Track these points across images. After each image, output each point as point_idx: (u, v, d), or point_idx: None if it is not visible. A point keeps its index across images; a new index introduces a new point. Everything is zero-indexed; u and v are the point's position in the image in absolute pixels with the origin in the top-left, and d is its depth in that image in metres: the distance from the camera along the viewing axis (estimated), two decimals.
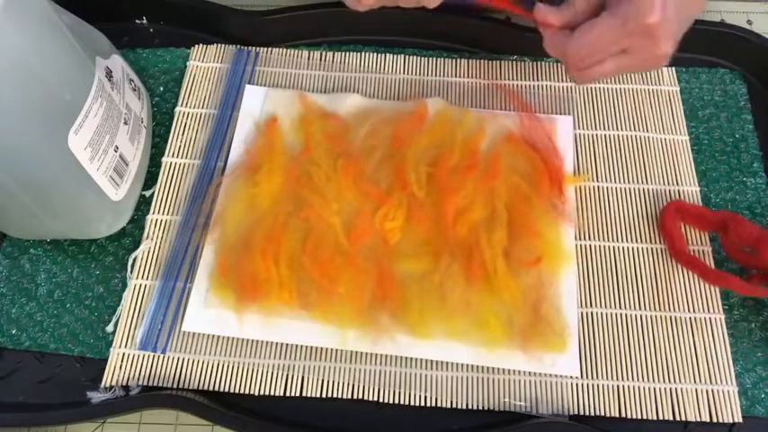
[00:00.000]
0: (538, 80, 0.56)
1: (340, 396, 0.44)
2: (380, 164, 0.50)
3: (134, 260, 0.49)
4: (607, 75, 0.44)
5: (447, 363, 0.44)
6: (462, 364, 0.44)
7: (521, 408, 0.43)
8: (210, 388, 0.44)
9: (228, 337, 0.46)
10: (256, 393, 0.44)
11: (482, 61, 0.57)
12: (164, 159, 0.53)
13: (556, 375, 0.44)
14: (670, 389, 0.44)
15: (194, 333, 0.46)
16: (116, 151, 0.47)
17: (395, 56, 0.58)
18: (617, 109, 0.55)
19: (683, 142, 0.53)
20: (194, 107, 0.55)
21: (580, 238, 0.49)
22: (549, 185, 0.49)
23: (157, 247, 0.49)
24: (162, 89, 0.57)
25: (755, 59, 0.56)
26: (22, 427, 0.44)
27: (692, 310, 0.46)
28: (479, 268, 0.45)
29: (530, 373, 0.44)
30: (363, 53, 0.58)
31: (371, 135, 0.51)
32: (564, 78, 0.56)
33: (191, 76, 0.57)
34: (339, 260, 0.46)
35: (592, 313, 0.46)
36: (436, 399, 0.44)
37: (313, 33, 0.59)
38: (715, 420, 0.43)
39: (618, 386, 0.44)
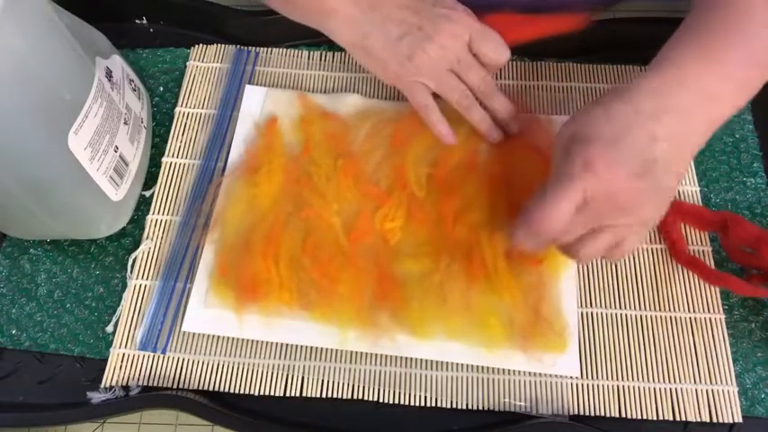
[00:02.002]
0: (538, 80, 0.56)
1: (340, 396, 0.44)
2: (380, 164, 0.50)
3: (134, 260, 0.49)
4: (602, 248, 0.39)
5: (447, 363, 0.44)
6: (462, 365, 0.44)
7: (521, 408, 0.43)
8: (210, 388, 0.44)
9: (228, 338, 0.46)
10: (256, 393, 0.44)
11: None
12: (164, 159, 0.53)
13: (556, 375, 0.44)
14: (670, 389, 0.44)
15: (194, 333, 0.46)
16: (116, 151, 0.47)
17: None
18: None
19: None
20: (194, 107, 0.55)
21: None
22: None
23: (157, 248, 0.49)
24: (162, 89, 0.57)
25: None
26: (22, 427, 0.44)
27: (692, 310, 0.46)
28: (480, 268, 0.45)
29: (530, 373, 0.44)
30: None
31: (371, 135, 0.51)
32: (564, 78, 0.56)
33: (191, 77, 0.57)
34: (339, 260, 0.46)
35: (592, 313, 0.46)
36: (436, 399, 0.44)
37: (313, 33, 0.58)
38: (715, 420, 0.43)
39: (618, 386, 0.44)
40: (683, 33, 0.41)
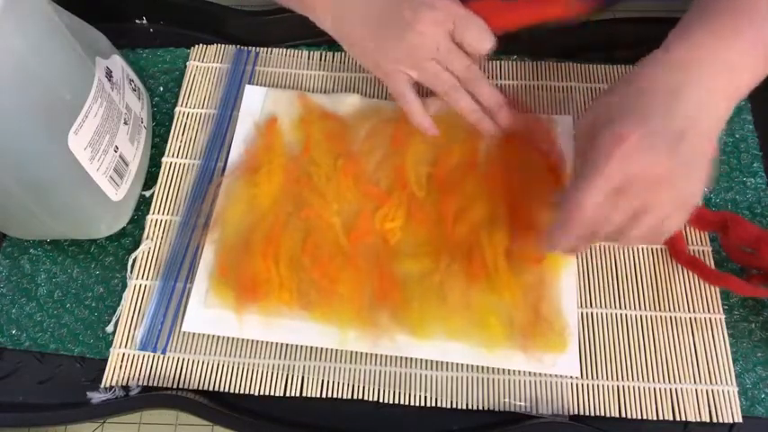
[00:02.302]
0: (538, 80, 0.56)
1: (340, 396, 0.44)
2: (380, 164, 0.50)
3: (134, 260, 0.49)
4: (644, 235, 0.38)
5: (447, 363, 0.44)
6: (462, 365, 0.44)
7: (521, 408, 0.43)
8: (210, 388, 0.44)
9: (228, 337, 0.46)
10: (256, 393, 0.44)
11: (482, 61, 0.57)
12: (164, 159, 0.53)
13: (556, 375, 0.44)
14: (670, 389, 0.44)
15: (194, 333, 0.46)
16: (116, 151, 0.47)
17: None
18: None
19: None
20: (194, 107, 0.55)
21: None
22: (549, 184, 0.49)
23: (157, 248, 0.49)
24: (162, 89, 0.57)
25: None
26: (22, 427, 0.44)
27: (692, 310, 0.46)
28: (480, 268, 0.45)
29: (530, 373, 0.44)
30: None
31: (371, 135, 0.52)
32: (564, 78, 0.56)
33: (191, 76, 0.57)
34: (339, 260, 0.46)
35: (592, 313, 0.46)
36: (436, 399, 0.44)
37: (313, 33, 0.59)
38: (715, 420, 0.43)
39: (618, 386, 0.44)
40: (695, 13, 0.41)
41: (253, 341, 0.46)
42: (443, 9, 0.45)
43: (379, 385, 0.44)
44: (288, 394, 0.44)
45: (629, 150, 0.35)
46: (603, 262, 0.48)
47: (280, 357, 0.45)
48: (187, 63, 0.57)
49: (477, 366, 0.44)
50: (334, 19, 0.48)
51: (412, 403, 0.44)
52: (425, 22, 0.45)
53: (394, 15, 0.46)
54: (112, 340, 0.46)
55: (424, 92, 0.55)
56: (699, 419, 0.43)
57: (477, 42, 0.46)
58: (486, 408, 0.43)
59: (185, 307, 0.46)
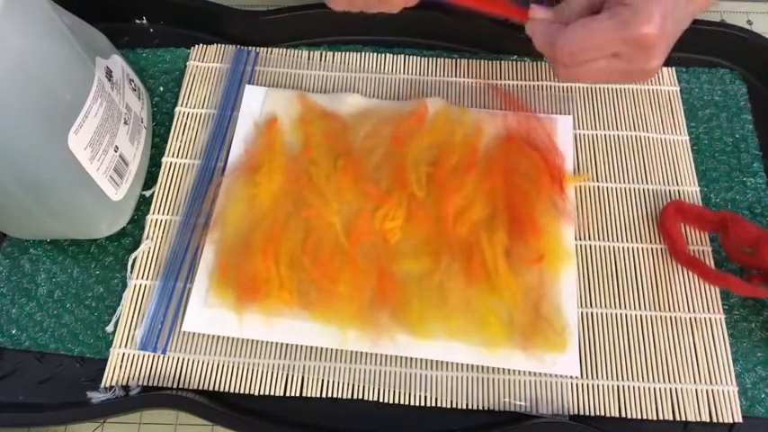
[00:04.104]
0: (538, 80, 0.56)
1: (340, 396, 0.44)
2: (380, 164, 0.50)
3: (134, 260, 0.49)
4: (594, 77, 0.43)
5: (447, 363, 0.44)
6: (462, 364, 0.44)
7: (521, 408, 0.43)
8: (210, 388, 0.44)
9: (228, 337, 0.46)
10: (256, 393, 0.44)
11: (482, 61, 0.57)
12: (164, 159, 0.53)
13: (556, 375, 0.44)
14: (670, 389, 0.44)
15: (194, 333, 0.46)
16: (116, 151, 0.47)
17: (395, 56, 0.58)
18: (617, 109, 0.55)
19: (683, 142, 0.53)
20: (194, 107, 0.55)
21: (580, 238, 0.49)
22: (549, 184, 0.49)
23: (157, 247, 0.49)
24: (162, 89, 0.57)
25: (755, 59, 0.56)
26: (22, 427, 0.44)
27: (692, 310, 0.46)
28: (480, 268, 0.45)
29: (530, 373, 0.44)
30: (363, 53, 0.58)
31: (371, 135, 0.51)
32: None
33: (191, 76, 0.57)
34: (339, 260, 0.46)
35: (592, 313, 0.46)
36: (436, 399, 0.44)
37: (313, 33, 0.59)
38: (715, 420, 0.43)
39: (618, 386, 0.44)
40: None
41: (253, 341, 0.46)
42: None
43: (380, 385, 0.44)
44: (288, 394, 0.44)
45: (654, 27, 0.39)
46: (603, 262, 0.48)
47: (280, 357, 0.45)
48: (187, 63, 0.57)
49: (478, 366, 0.44)
50: None
51: (412, 403, 0.44)
52: None
53: None
54: (112, 340, 0.46)
55: (424, 92, 0.56)
56: (699, 419, 0.43)
57: None
58: (486, 408, 0.43)
59: (185, 307, 0.46)
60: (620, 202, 0.50)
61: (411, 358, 0.45)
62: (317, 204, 0.48)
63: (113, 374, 0.45)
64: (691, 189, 0.51)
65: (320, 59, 0.58)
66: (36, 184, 0.43)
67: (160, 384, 0.45)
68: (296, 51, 0.58)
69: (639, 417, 0.43)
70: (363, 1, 0.47)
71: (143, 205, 0.51)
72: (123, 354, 0.46)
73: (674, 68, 0.56)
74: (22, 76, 0.38)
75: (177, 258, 0.48)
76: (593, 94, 0.55)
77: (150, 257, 0.49)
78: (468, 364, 0.44)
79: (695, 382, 0.44)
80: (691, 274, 0.47)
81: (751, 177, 0.52)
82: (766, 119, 0.54)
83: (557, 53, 0.42)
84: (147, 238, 0.50)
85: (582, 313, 0.46)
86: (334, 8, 0.48)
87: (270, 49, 0.58)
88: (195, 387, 0.44)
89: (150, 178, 0.52)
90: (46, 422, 0.43)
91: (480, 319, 0.44)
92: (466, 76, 0.56)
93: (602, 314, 0.46)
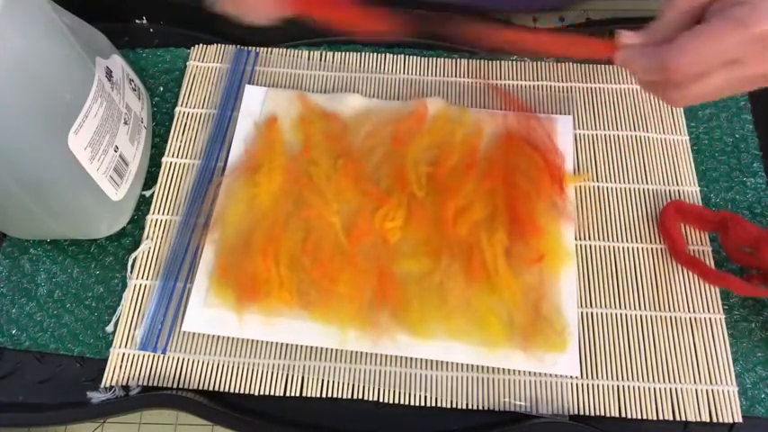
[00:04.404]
0: (538, 80, 0.56)
1: (340, 396, 0.44)
2: (380, 164, 0.50)
3: (134, 260, 0.49)
4: (713, 93, 0.38)
5: (447, 363, 0.44)
6: (462, 364, 0.44)
7: (521, 408, 0.43)
8: (210, 388, 0.44)
9: (228, 337, 0.46)
10: (256, 393, 0.44)
11: (482, 61, 0.57)
12: (164, 159, 0.53)
13: (556, 375, 0.44)
14: (670, 389, 0.44)
15: (194, 333, 0.46)
16: (116, 151, 0.47)
17: (395, 56, 0.58)
18: (617, 109, 0.55)
19: (683, 142, 0.53)
20: (194, 107, 0.55)
21: (580, 238, 0.49)
22: (549, 184, 0.49)
23: (157, 247, 0.49)
24: (162, 89, 0.57)
25: None
26: (22, 426, 0.44)
27: (692, 310, 0.46)
28: (480, 268, 0.45)
29: (530, 373, 0.44)
30: (363, 53, 0.58)
31: (371, 135, 0.52)
32: (564, 78, 0.56)
33: (191, 76, 0.57)
34: (339, 260, 0.46)
35: (592, 313, 0.46)
36: (436, 399, 0.44)
37: (313, 33, 0.59)
38: (715, 420, 0.43)
39: (618, 386, 0.44)
40: None
41: (253, 341, 0.46)
42: None
43: (379, 385, 0.44)
44: (288, 394, 0.44)
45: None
46: (603, 262, 0.48)
47: (280, 357, 0.45)
48: (187, 63, 0.57)
49: (478, 366, 0.44)
50: None
51: (412, 403, 0.44)
52: None
53: None
54: (112, 340, 0.46)
55: (424, 92, 0.56)
56: (699, 419, 0.43)
57: None
58: (486, 408, 0.43)
59: (185, 307, 0.46)
60: (620, 202, 0.50)
61: (411, 358, 0.45)
62: (317, 204, 0.48)
63: (113, 374, 0.45)
64: (691, 189, 0.51)
65: (320, 59, 0.58)
66: (36, 184, 0.43)
67: (160, 384, 0.45)
68: (296, 51, 0.58)
69: (639, 417, 0.43)
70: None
71: (143, 205, 0.51)
72: (123, 354, 0.46)
73: None
74: (22, 76, 0.38)
75: (177, 258, 0.48)
76: (593, 94, 0.55)
77: (150, 257, 0.49)
78: (468, 364, 0.44)
79: (695, 382, 0.44)
80: (691, 274, 0.47)
81: (751, 177, 0.52)
82: (766, 119, 0.54)
83: (669, 73, 0.37)
84: (147, 238, 0.50)
85: (582, 313, 0.46)
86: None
87: (270, 49, 0.58)
88: (195, 387, 0.44)
89: (150, 178, 0.52)
90: (46, 422, 0.43)
91: (480, 319, 0.44)
92: (466, 76, 0.56)
93: (602, 314, 0.46)
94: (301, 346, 0.45)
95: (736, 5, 0.35)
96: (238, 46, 0.58)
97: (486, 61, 0.57)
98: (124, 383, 0.45)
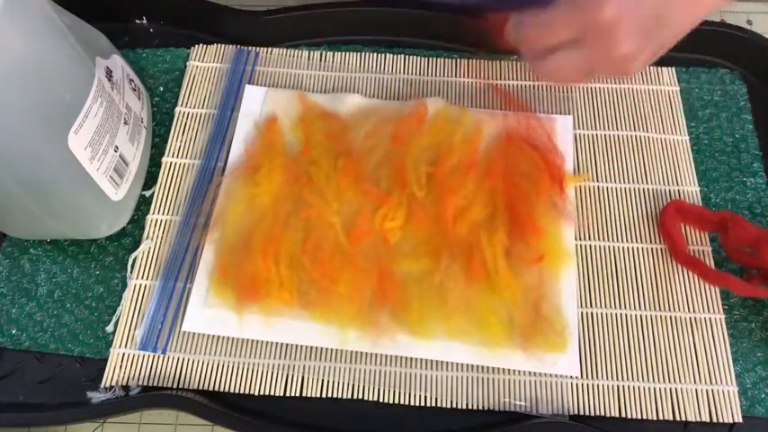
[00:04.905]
0: (538, 80, 0.56)
1: (340, 396, 0.44)
2: (380, 164, 0.50)
3: (134, 260, 0.49)
4: (563, 68, 0.40)
5: (447, 363, 0.44)
6: (462, 364, 0.44)
7: (521, 408, 0.43)
8: (210, 388, 0.44)
9: (228, 337, 0.46)
10: (256, 393, 0.44)
11: (482, 61, 0.57)
12: (164, 159, 0.53)
13: (556, 375, 0.44)
14: (670, 389, 0.44)
15: (194, 333, 0.46)
16: (116, 151, 0.47)
17: (395, 56, 0.58)
18: (617, 109, 0.55)
19: (683, 142, 0.53)
20: (194, 107, 0.55)
21: (580, 238, 0.49)
22: (549, 183, 0.49)
23: (157, 247, 0.49)
24: (162, 89, 0.57)
25: (755, 59, 0.56)
26: (22, 426, 0.44)
27: (692, 310, 0.46)
28: (480, 268, 0.45)
29: (530, 373, 0.44)
30: (363, 53, 0.58)
31: (371, 135, 0.51)
32: None
33: (191, 76, 0.57)
34: (339, 260, 0.46)
35: (592, 313, 0.46)
36: (436, 399, 0.44)
37: (313, 33, 0.59)
38: (715, 420, 0.43)
39: (618, 386, 0.44)
40: None
41: (253, 341, 0.46)
42: None
43: (379, 385, 0.44)
44: (288, 394, 0.44)
45: (604, 27, 0.36)
46: (603, 262, 0.48)
47: (280, 357, 0.45)
48: (187, 63, 0.57)
49: (478, 366, 0.44)
50: None
51: (412, 403, 0.44)
52: None
53: None
54: (112, 340, 0.46)
55: (424, 92, 0.56)
56: (699, 419, 0.43)
57: None
58: (486, 408, 0.43)
59: (185, 307, 0.46)
60: (620, 202, 0.50)
61: (411, 358, 0.45)
62: (317, 204, 0.48)
63: (113, 374, 0.45)
64: (691, 189, 0.51)
65: (320, 59, 0.58)
66: (36, 184, 0.43)
67: (160, 384, 0.45)
68: (296, 51, 0.58)
69: (639, 417, 0.43)
70: None
71: (143, 205, 0.51)
72: (123, 354, 0.46)
73: (673, 68, 0.56)
74: (21, 76, 0.38)
75: (177, 258, 0.48)
76: (594, 94, 0.55)
77: (150, 257, 0.49)
78: (468, 364, 0.44)
79: (695, 382, 0.44)
80: (691, 274, 0.47)
81: (751, 177, 0.52)
82: (766, 119, 0.54)
83: (524, 43, 0.41)
84: (147, 238, 0.50)
85: (582, 313, 0.46)
86: None
87: (270, 49, 0.58)
88: (195, 387, 0.44)
89: (150, 178, 0.52)
90: (46, 422, 0.43)
91: (480, 319, 0.44)
92: (466, 76, 0.56)
93: (602, 314, 0.46)
94: (301, 346, 0.45)
95: None
96: (238, 46, 0.58)
97: (486, 61, 0.57)
98: (124, 383, 0.45)
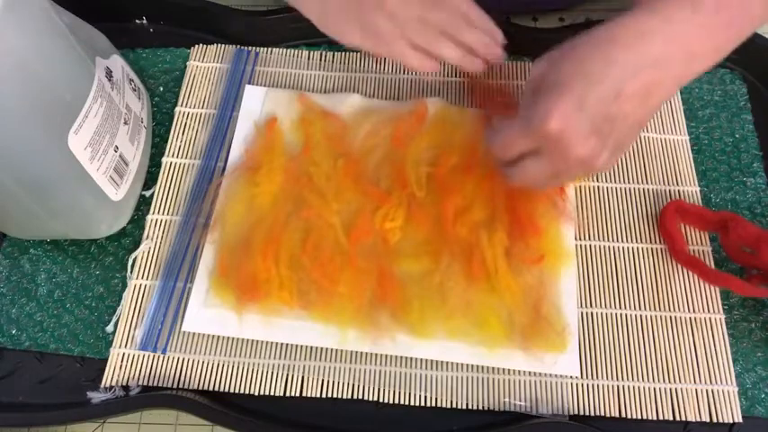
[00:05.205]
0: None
1: (340, 396, 0.44)
2: (380, 164, 0.50)
3: (134, 260, 0.49)
4: (531, 176, 0.41)
5: (447, 363, 0.44)
6: (462, 364, 0.44)
7: (521, 408, 0.43)
8: (210, 388, 0.44)
9: (228, 337, 0.46)
10: (256, 393, 0.44)
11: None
12: (164, 159, 0.53)
13: (556, 375, 0.44)
14: (670, 389, 0.44)
15: (194, 333, 0.46)
16: (116, 151, 0.47)
17: None
18: None
19: (683, 142, 0.53)
20: (194, 107, 0.55)
21: (580, 238, 0.49)
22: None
23: (157, 247, 0.49)
24: (162, 89, 0.57)
25: (755, 59, 0.56)
26: (22, 426, 0.44)
27: (692, 310, 0.46)
28: (480, 268, 0.45)
29: (530, 373, 0.44)
30: (363, 53, 0.58)
31: (371, 135, 0.52)
32: None
33: (191, 76, 0.57)
34: (339, 260, 0.46)
35: (592, 313, 0.46)
36: (436, 399, 0.44)
37: (313, 33, 0.58)
38: (715, 420, 0.43)
39: (618, 386, 0.44)
40: None
41: (253, 341, 0.46)
42: None
43: (379, 385, 0.44)
44: (288, 394, 0.44)
45: (553, 128, 0.36)
46: (603, 262, 0.48)
47: (280, 357, 0.45)
48: (187, 63, 0.57)
49: (478, 366, 0.44)
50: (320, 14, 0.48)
51: (412, 403, 0.44)
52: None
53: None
54: (112, 340, 0.46)
55: (424, 91, 0.56)
56: (699, 419, 0.43)
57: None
58: (486, 408, 0.43)
59: (185, 307, 0.46)
60: (620, 202, 0.50)
61: (411, 358, 0.45)
62: (317, 204, 0.48)
63: (113, 374, 0.45)
64: (691, 189, 0.51)
65: (320, 59, 0.58)
66: (36, 184, 0.43)
67: (160, 384, 0.45)
68: (296, 51, 0.58)
69: (639, 417, 0.43)
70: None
71: (143, 205, 0.51)
72: (123, 354, 0.46)
73: None
74: (22, 76, 0.38)
75: (177, 258, 0.48)
76: None
77: (150, 257, 0.49)
78: (468, 364, 0.44)
79: (695, 382, 0.44)
80: (691, 274, 0.47)
81: (751, 177, 0.52)
82: (766, 119, 0.54)
83: (495, 155, 0.42)
84: (147, 238, 0.50)
85: (582, 313, 0.46)
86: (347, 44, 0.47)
87: (270, 49, 0.58)
88: (195, 387, 0.44)
89: (150, 178, 0.52)
90: (46, 422, 0.43)
91: (480, 319, 0.44)
92: (466, 76, 0.56)
93: (602, 314, 0.46)
94: (301, 346, 0.45)
95: (532, 105, 0.37)
96: (238, 46, 0.58)
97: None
98: (124, 383, 0.45)
